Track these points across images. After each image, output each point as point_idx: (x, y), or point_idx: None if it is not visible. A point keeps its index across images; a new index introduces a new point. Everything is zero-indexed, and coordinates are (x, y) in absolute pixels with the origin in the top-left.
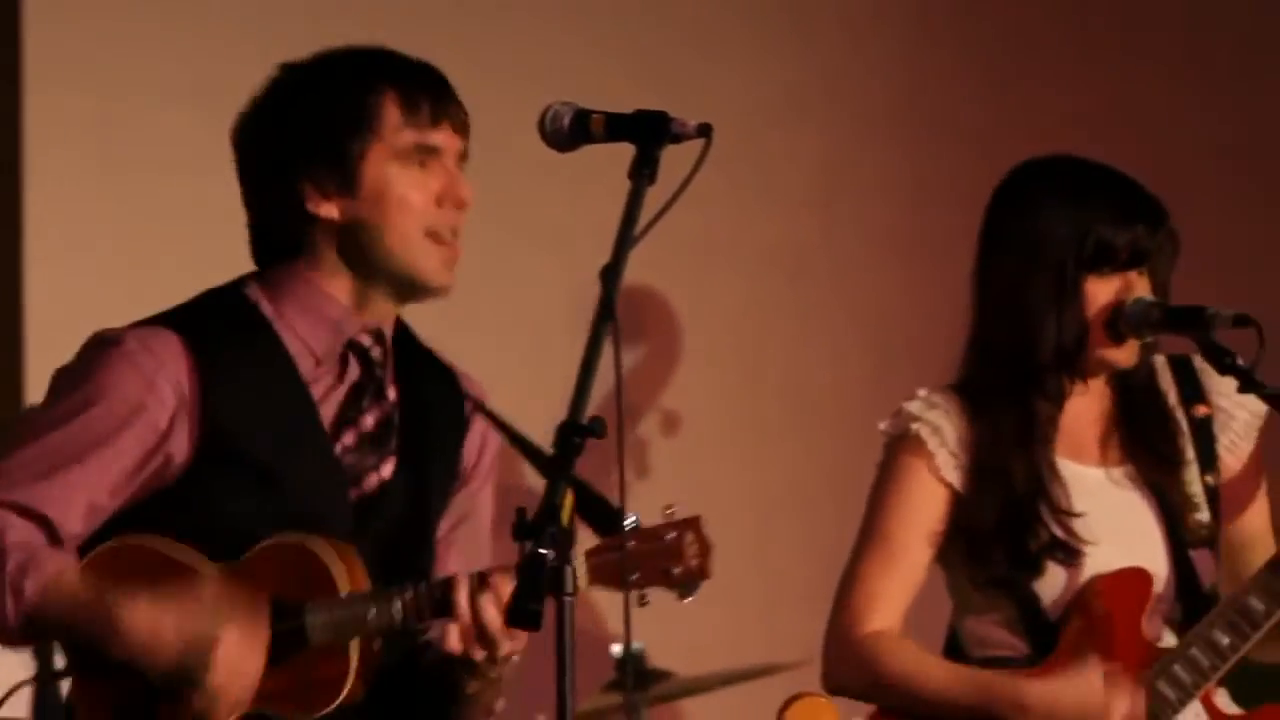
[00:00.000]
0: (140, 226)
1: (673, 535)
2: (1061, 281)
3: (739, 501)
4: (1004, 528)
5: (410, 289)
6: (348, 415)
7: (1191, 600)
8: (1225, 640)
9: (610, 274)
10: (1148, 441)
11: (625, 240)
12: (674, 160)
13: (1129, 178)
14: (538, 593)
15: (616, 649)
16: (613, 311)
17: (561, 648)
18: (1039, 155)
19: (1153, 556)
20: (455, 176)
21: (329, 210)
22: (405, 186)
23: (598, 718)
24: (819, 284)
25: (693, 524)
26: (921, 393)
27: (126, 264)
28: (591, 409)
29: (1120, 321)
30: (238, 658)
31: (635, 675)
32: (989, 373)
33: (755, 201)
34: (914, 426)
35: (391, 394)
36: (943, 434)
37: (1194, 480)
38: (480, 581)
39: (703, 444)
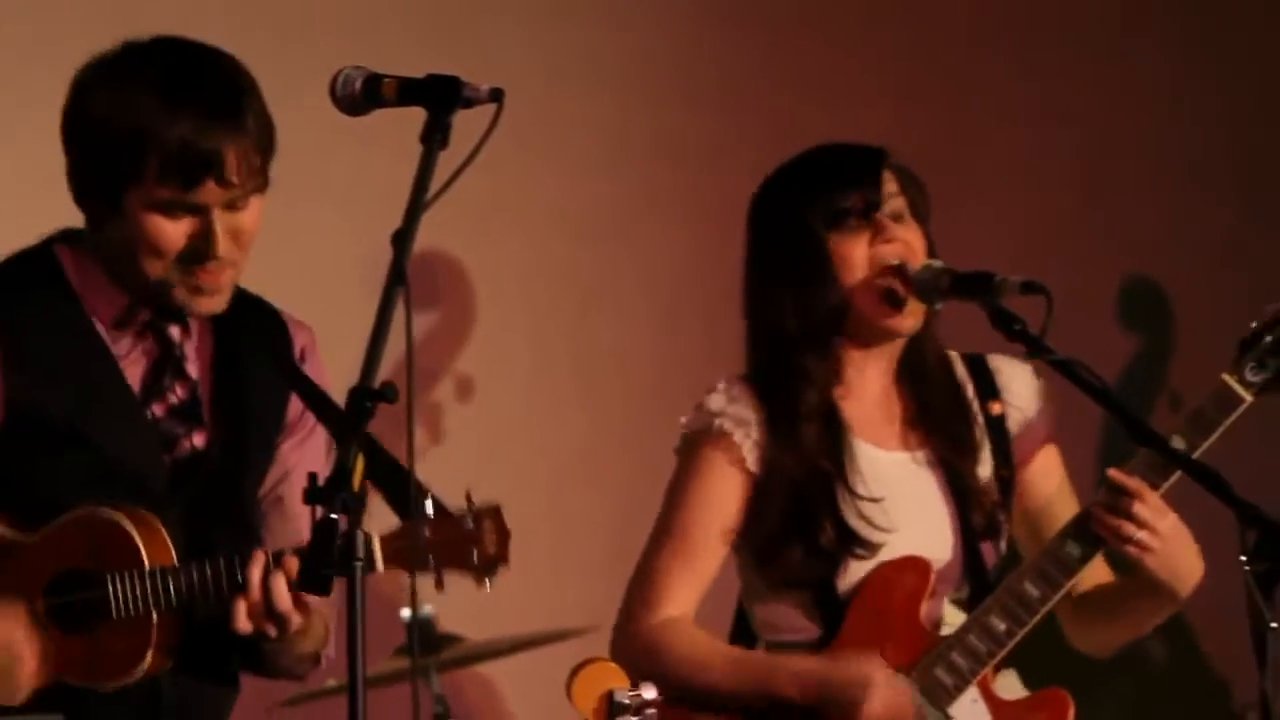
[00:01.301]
0: None
1: (471, 523)
2: (799, 251)
3: (529, 466)
4: (790, 528)
5: (171, 310)
6: (155, 387)
7: (978, 585)
8: (1002, 626)
9: (402, 238)
10: (944, 425)
11: (417, 205)
12: (466, 125)
13: (858, 145)
14: (328, 558)
15: (406, 613)
16: (404, 276)
17: (352, 613)
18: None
19: (941, 540)
20: (207, 233)
21: (107, 221)
22: (155, 234)
23: (388, 682)
24: (609, 249)
25: (492, 512)
26: (720, 386)
27: None
28: (383, 374)
29: (909, 286)
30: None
31: (425, 640)
32: (761, 358)
33: (546, 166)
34: (718, 421)
35: (194, 370)
36: (747, 425)
37: (988, 473)
38: (275, 560)
39: (494, 409)
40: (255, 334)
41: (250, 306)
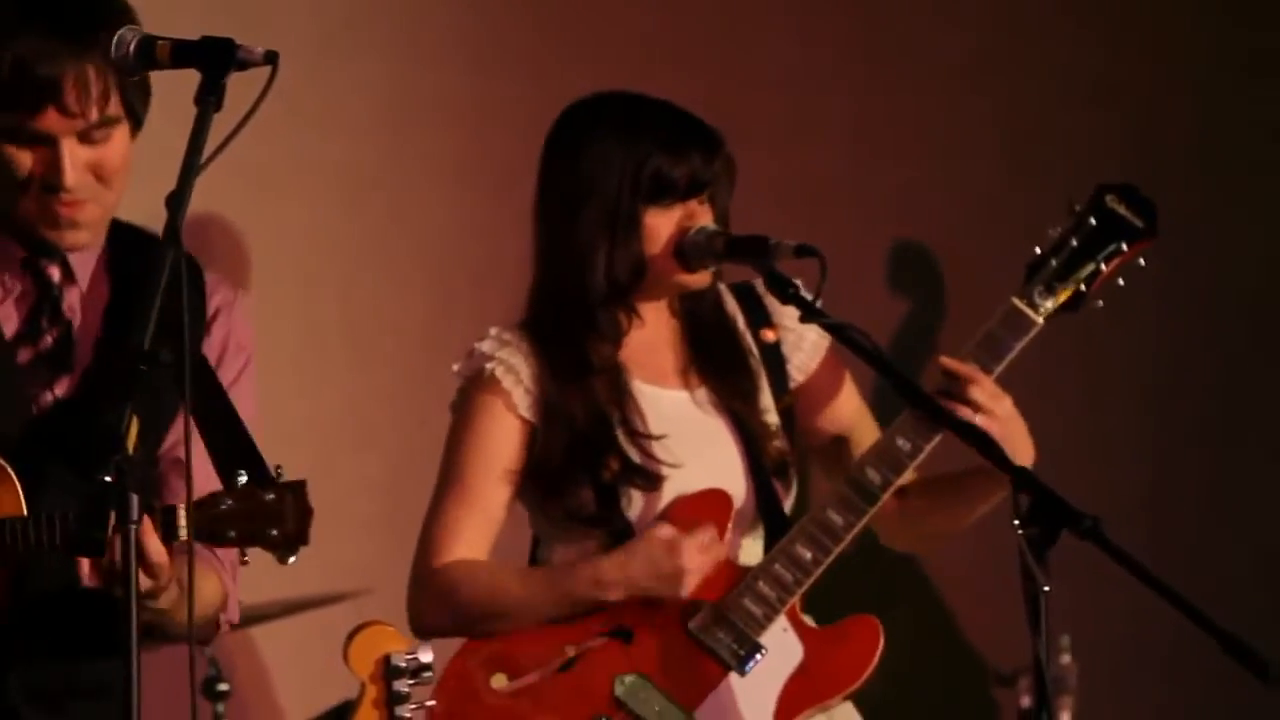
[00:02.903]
0: None
1: (274, 497)
2: (615, 216)
3: (299, 429)
4: (574, 464)
5: (46, 247)
6: (29, 330)
7: (773, 521)
8: (808, 555)
9: (175, 200)
10: (721, 369)
11: (191, 168)
12: (241, 87)
13: (683, 110)
14: (101, 520)
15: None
16: (178, 237)
17: (128, 576)
18: (594, 92)
19: (733, 478)
20: (52, 163)
21: None
22: (6, 163)
23: (163, 644)
24: (380, 213)
25: (296, 488)
26: (493, 331)
27: None
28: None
29: (683, 250)
30: None
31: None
32: (548, 310)
33: (318, 130)
34: (489, 366)
35: (78, 317)
36: (518, 372)
37: (769, 407)
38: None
39: (265, 372)
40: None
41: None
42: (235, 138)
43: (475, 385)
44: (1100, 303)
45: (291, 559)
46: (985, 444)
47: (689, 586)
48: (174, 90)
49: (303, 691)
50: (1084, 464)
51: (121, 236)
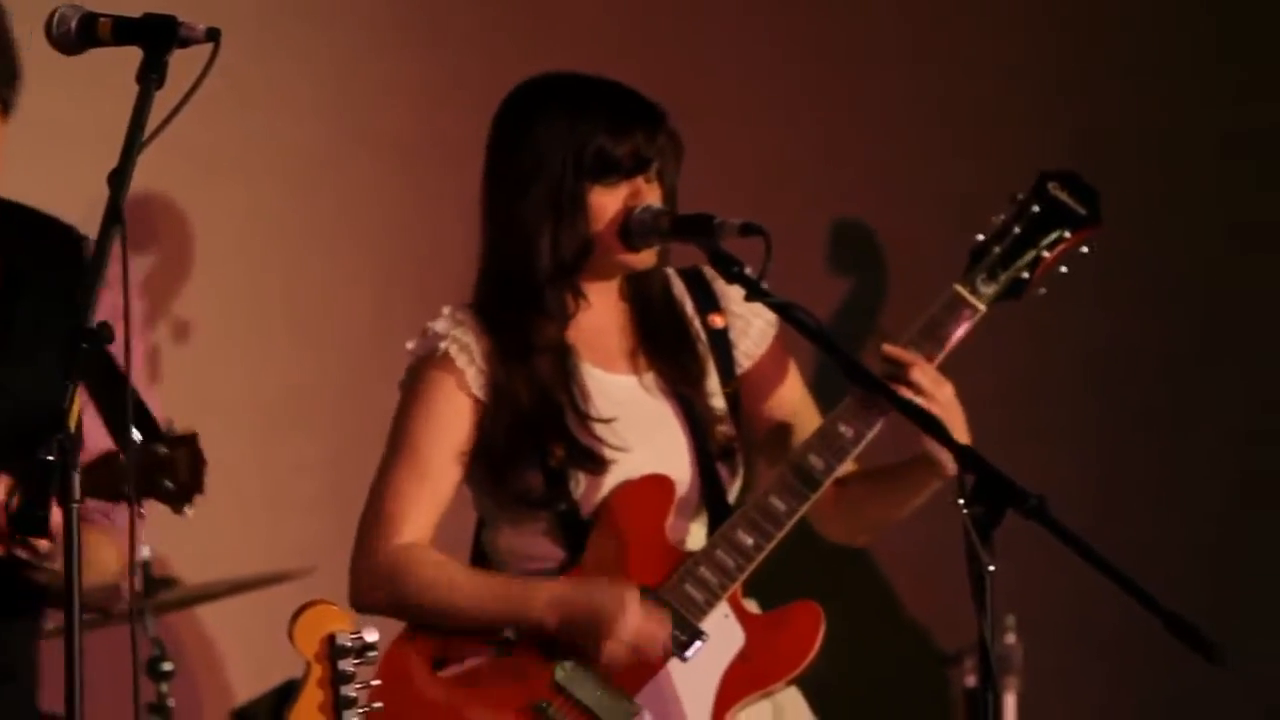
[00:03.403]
0: None
1: (166, 450)
2: (559, 195)
3: (243, 409)
4: (521, 446)
5: None
6: None
7: (718, 507)
8: (749, 540)
9: (118, 178)
10: (669, 354)
11: (133, 145)
12: (182, 65)
13: (628, 88)
14: (43, 498)
15: None
16: (120, 215)
17: (70, 554)
18: (541, 72)
19: (679, 463)
20: None
21: None
22: None
23: (104, 625)
24: (324, 193)
25: (188, 439)
26: (446, 310)
27: None
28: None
29: (629, 229)
30: None
31: (142, 583)
32: (495, 290)
33: (261, 109)
34: (442, 345)
35: None
36: (470, 351)
37: (716, 391)
38: (11, 488)
39: (211, 352)
40: (47, 261)
41: (53, 233)
42: (177, 116)
43: (428, 363)
44: (1043, 290)
45: (188, 510)
46: (930, 424)
47: (610, 655)
48: (116, 68)
49: (248, 671)
50: (1029, 448)
51: (11, 216)
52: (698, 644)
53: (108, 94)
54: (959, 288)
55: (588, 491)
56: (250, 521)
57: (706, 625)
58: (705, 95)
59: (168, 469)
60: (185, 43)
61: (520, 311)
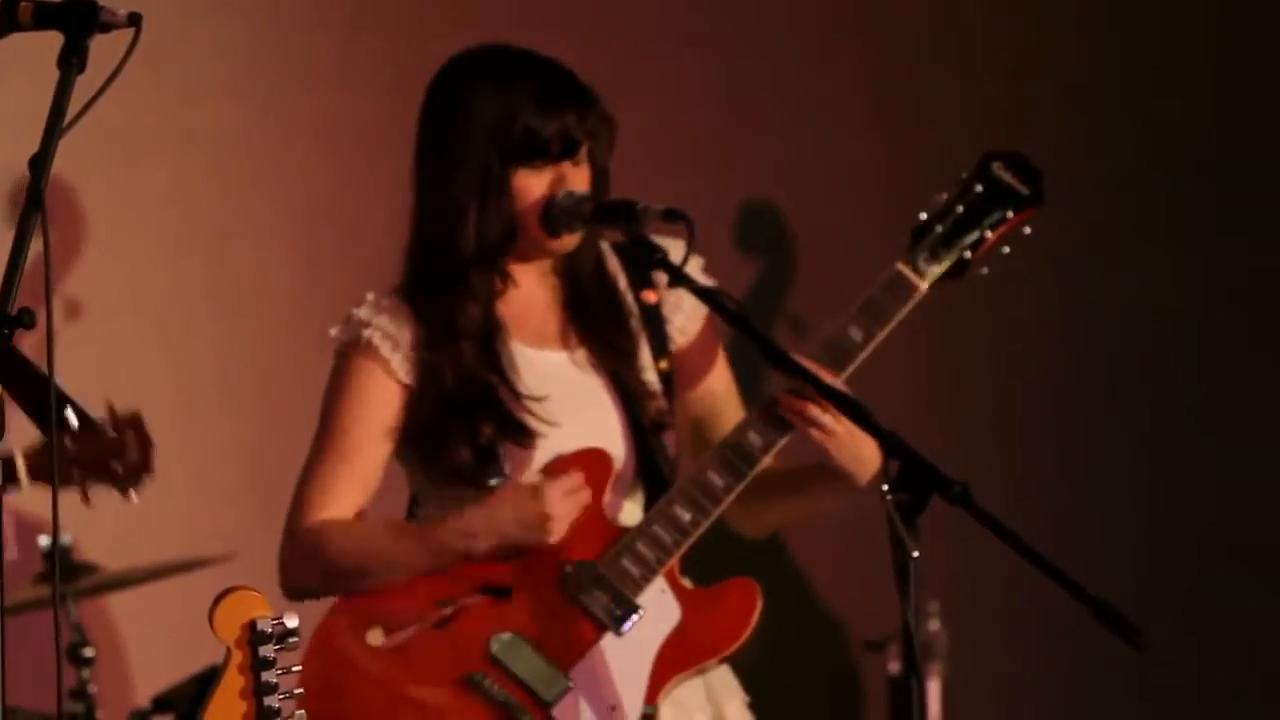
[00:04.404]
0: None
1: (114, 432)
2: (486, 175)
3: (165, 395)
4: (449, 425)
5: None
6: None
7: (653, 482)
8: (687, 516)
9: (39, 162)
10: (600, 329)
11: (54, 129)
12: (103, 49)
13: (560, 65)
14: None
15: (44, 540)
16: (41, 200)
17: None
18: (470, 46)
19: (612, 439)
20: None
21: None
22: None
23: (20, 611)
24: (246, 177)
25: (134, 421)
26: (370, 297)
27: None
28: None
29: (550, 215)
30: None
31: (63, 568)
32: (421, 270)
33: (182, 93)
34: (366, 333)
35: None
36: (395, 338)
37: (649, 367)
38: None
39: (131, 336)
40: None
41: None
42: (99, 100)
43: (353, 350)
44: (985, 270)
45: (135, 494)
46: (854, 410)
47: (556, 533)
48: (37, 52)
49: (168, 657)
50: (951, 433)
51: None
52: (634, 618)
53: (27, 78)
54: (901, 266)
55: (517, 468)
56: (171, 507)
57: (643, 600)
58: (628, 75)
59: (118, 452)
60: (106, 28)
61: (445, 292)
